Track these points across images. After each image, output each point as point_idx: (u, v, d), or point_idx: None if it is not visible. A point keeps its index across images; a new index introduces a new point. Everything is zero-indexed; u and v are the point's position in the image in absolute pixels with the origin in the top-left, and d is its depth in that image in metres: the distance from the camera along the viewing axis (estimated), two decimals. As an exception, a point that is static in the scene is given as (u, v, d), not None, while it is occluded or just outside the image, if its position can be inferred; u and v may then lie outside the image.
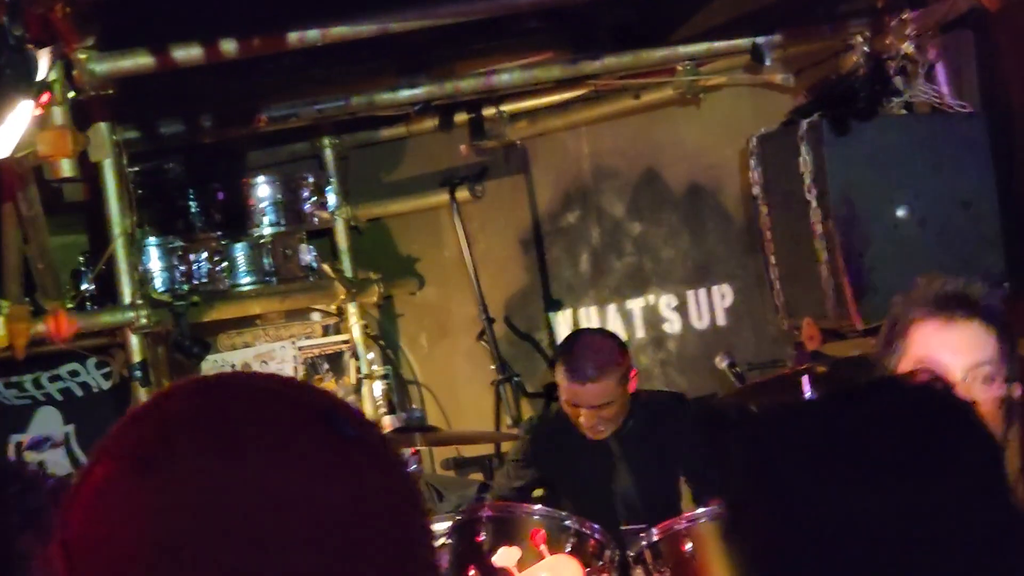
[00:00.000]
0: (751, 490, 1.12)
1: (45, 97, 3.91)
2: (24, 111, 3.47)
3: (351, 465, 0.77)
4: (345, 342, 5.55)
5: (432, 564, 0.88)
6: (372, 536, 0.76)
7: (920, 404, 1.16)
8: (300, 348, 5.43)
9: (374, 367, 5.60)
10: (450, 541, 4.17)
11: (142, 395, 4.58)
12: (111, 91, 4.36)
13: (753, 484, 1.12)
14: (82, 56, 4.28)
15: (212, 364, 5.15)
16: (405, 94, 5.13)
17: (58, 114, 4.08)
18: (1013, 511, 1.09)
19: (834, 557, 1.08)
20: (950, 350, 2.27)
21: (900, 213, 4.38)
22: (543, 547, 4.02)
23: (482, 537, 4.11)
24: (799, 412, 1.38)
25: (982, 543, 1.05)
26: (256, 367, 5.19)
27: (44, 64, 3.75)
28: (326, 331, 5.66)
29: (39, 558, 1.87)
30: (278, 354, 5.42)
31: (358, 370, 5.59)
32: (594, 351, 4.37)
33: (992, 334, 2.41)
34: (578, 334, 4.98)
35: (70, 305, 4.62)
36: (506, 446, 5.36)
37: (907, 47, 4.52)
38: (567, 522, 4.09)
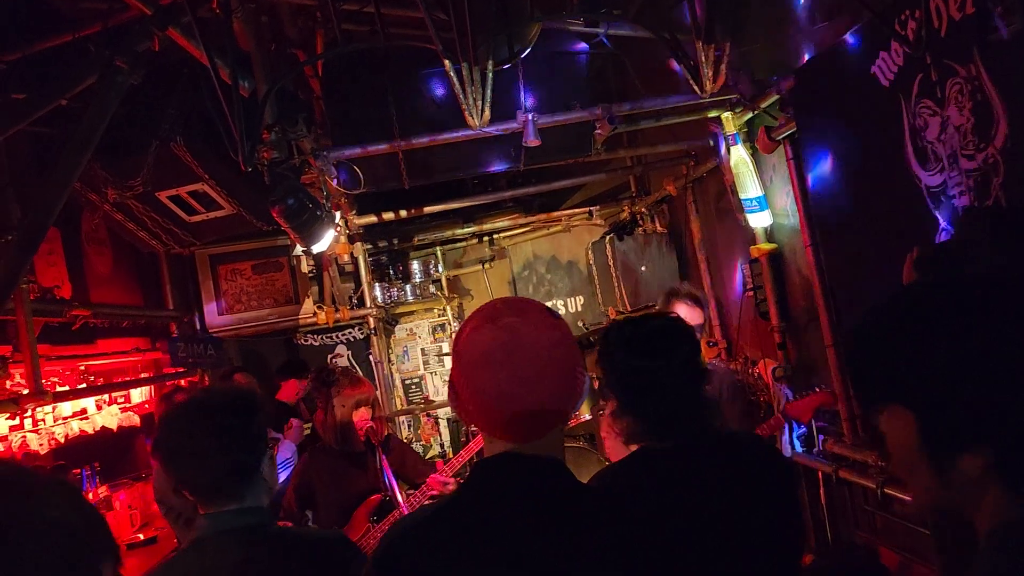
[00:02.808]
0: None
1: (337, 230, 5.36)
2: (330, 234, 4.34)
3: (559, 322, 1.36)
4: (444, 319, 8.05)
5: (584, 366, 1.36)
6: (571, 345, 1.35)
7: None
8: (430, 322, 7.96)
9: (456, 327, 7.69)
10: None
11: (374, 341, 7.03)
12: (361, 230, 6.84)
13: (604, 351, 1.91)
14: (350, 216, 6.42)
15: (399, 328, 7.91)
16: (465, 230, 7.75)
17: (342, 237, 6.00)
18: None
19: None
20: (684, 315, 3.03)
21: (643, 268, 6.45)
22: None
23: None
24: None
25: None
26: (413, 330, 7.94)
27: (337, 217, 5.09)
28: (438, 316, 8.03)
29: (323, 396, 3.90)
30: (421, 324, 7.92)
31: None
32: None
33: (696, 308, 3.87)
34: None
35: (347, 307, 6.90)
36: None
37: (645, 209, 6.89)
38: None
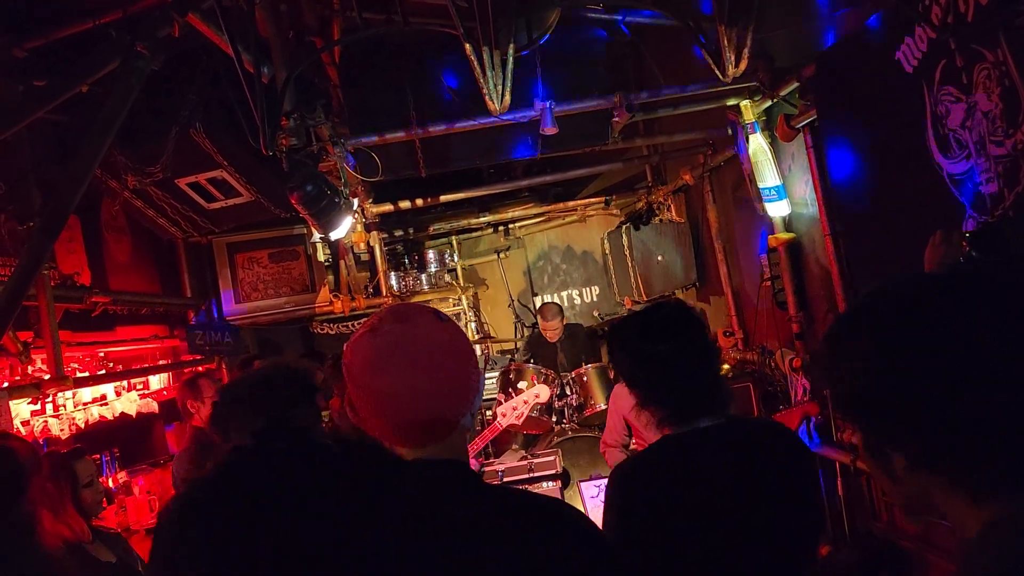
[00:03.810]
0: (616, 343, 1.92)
1: (354, 218, 5.59)
2: (348, 221, 4.39)
3: (447, 327, 1.34)
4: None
5: (476, 370, 1.35)
6: (459, 350, 1.33)
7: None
8: (445, 310, 7.62)
9: (471, 316, 7.95)
10: (500, 377, 5.82)
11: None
12: (377, 219, 6.97)
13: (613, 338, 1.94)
14: (367, 205, 6.42)
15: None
16: (481, 219, 7.90)
17: (358, 226, 6.16)
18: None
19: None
20: None
21: (659, 258, 6.63)
22: (533, 379, 5.51)
23: (511, 376, 5.67)
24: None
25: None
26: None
27: (355, 204, 5.01)
28: (453, 305, 7.95)
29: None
30: (437, 313, 8.38)
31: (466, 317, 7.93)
32: (550, 309, 6.27)
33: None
34: (544, 304, 6.73)
35: (363, 296, 7.05)
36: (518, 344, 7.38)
37: (662, 199, 7.11)
38: (542, 369, 5.72)
